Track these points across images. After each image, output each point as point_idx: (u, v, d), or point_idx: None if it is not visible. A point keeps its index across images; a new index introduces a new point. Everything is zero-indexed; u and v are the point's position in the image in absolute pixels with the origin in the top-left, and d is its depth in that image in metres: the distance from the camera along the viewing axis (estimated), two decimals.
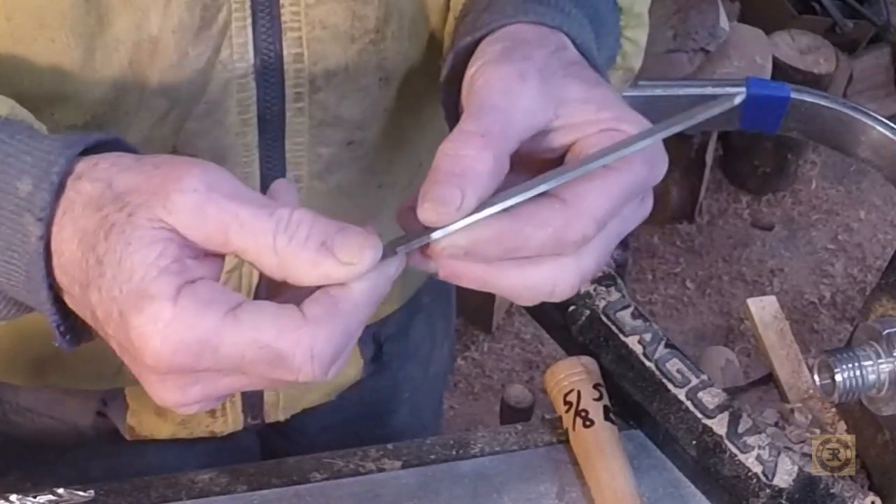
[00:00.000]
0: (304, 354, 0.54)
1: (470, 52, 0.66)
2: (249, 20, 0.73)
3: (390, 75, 0.80)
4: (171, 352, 0.54)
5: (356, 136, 0.82)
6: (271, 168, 0.81)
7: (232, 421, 1.01)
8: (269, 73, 0.76)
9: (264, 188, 0.81)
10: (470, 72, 0.63)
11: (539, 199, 0.58)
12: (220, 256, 0.57)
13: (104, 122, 0.75)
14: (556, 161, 0.62)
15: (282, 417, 1.04)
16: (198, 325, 0.54)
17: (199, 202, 0.55)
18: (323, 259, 0.55)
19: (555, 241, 0.58)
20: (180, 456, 1.02)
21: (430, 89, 0.85)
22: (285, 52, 0.75)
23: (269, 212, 0.55)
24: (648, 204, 0.63)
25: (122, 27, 0.71)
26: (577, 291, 0.93)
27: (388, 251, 0.58)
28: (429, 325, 1.16)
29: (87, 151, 0.60)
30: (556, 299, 0.61)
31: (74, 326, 0.62)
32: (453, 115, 0.70)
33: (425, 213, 0.57)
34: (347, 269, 0.55)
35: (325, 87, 0.78)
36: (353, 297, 0.56)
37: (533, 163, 0.62)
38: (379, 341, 1.07)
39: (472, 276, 0.60)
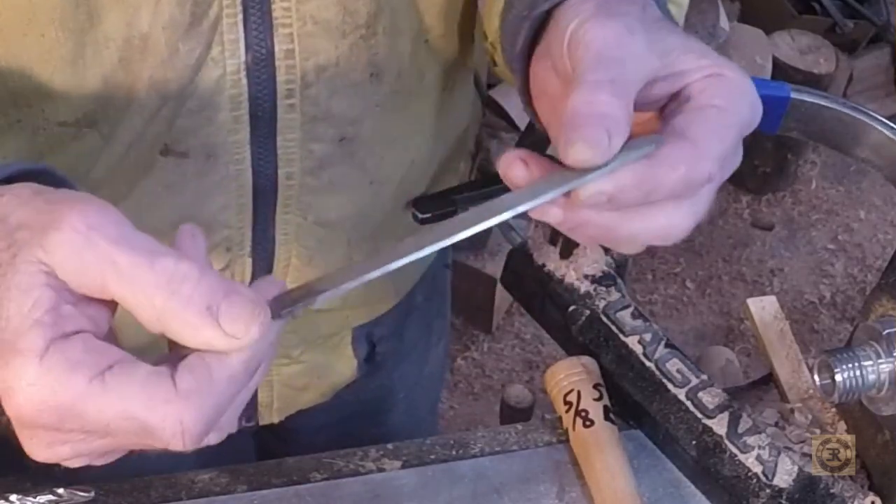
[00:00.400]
0: (173, 428, 0.51)
1: (545, 19, 0.66)
2: (240, 16, 0.73)
3: (381, 71, 0.80)
4: (33, 412, 0.51)
5: (348, 133, 0.82)
6: (263, 165, 0.80)
7: None
8: (261, 69, 0.76)
9: (256, 185, 0.82)
10: (570, 28, 0.63)
11: (669, 140, 0.59)
12: (106, 302, 0.54)
13: (94, 119, 0.75)
14: (658, 110, 0.63)
15: (276, 419, 1.04)
16: (61, 390, 0.51)
17: (78, 244, 0.51)
18: (206, 326, 0.52)
19: (685, 183, 0.59)
20: (175, 459, 1.02)
21: (421, 86, 0.85)
22: (276, 48, 0.75)
23: (151, 262, 0.52)
24: (740, 153, 0.64)
25: (112, 23, 0.71)
26: (578, 291, 0.94)
27: (274, 313, 0.54)
28: (423, 325, 1.16)
29: (11, 180, 0.57)
30: (669, 243, 0.62)
31: None
32: (525, 88, 0.69)
33: (578, 154, 0.56)
34: (230, 342, 0.52)
35: (316, 82, 0.78)
36: (230, 367, 0.53)
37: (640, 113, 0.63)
38: (372, 341, 1.07)
39: (600, 224, 0.60)
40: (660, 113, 0.64)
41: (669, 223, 0.61)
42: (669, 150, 0.59)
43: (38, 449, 0.54)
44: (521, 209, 0.57)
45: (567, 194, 0.58)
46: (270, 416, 1.03)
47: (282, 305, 0.55)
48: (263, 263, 0.86)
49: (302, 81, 0.77)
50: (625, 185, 0.57)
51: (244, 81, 0.76)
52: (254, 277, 0.87)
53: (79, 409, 0.51)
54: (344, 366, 1.05)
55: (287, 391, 1.01)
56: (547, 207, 0.59)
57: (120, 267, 0.51)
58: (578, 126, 0.57)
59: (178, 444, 0.52)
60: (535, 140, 0.83)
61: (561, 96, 0.63)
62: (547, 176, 0.58)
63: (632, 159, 0.57)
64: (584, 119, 0.57)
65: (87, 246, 0.51)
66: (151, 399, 0.51)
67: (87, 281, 0.52)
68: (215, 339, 0.52)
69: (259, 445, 1.14)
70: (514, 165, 0.58)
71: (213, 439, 0.54)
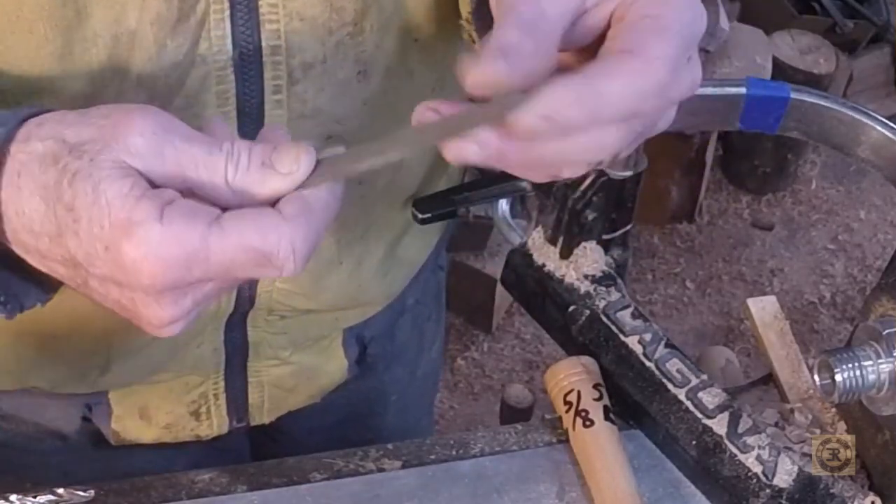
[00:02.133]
0: (286, 251, 0.58)
1: None
2: (227, 12, 0.73)
3: (369, 69, 0.80)
4: (164, 268, 0.56)
5: (335, 130, 0.82)
6: None
7: (217, 424, 1.01)
8: (248, 66, 0.76)
9: None
10: None
11: (605, 54, 0.58)
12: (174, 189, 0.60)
13: None
14: (594, 46, 0.61)
15: (266, 420, 1.04)
16: (187, 238, 0.56)
17: (157, 144, 0.57)
18: (268, 176, 0.59)
19: (635, 94, 0.58)
20: (169, 460, 1.02)
21: (411, 85, 0.85)
22: (263, 45, 0.75)
23: (219, 148, 0.59)
24: (697, 69, 0.63)
25: (99, 19, 0.71)
26: (578, 291, 0.94)
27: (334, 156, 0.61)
28: (415, 327, 1.15)
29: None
30: (603, 165, 0.61)
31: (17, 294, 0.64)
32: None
33: (475, 78, 0.57)
34: (291, 178, 0.59)
35: (303, 79, 0.78)
36: (321, 196, 0.60)
37: (581, 50, 0.62)
38: (364, 343, 1.07)
39: (542, 153, 0.59)
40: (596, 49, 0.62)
41: (622, 140, 0.60)
42: (606, 62, 0.58)
43: (167, 309, 0.59)
44: (425, 142, 0.60)
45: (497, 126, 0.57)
46: (261, 416, 1.03)
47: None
48: None
49: (289, 78, 0.77)
50: (560, 104, 0.56)
51: (231, 77, 0.76)
52: None
53: (204, 253, 0.57)
54: (334, 367, 1.05)
55: (277, 392, 1.01)
56: (464, 144, 0.58)
57: (197, 160, 0.58)
58: (477, 58, 0.57)
59: (290, 266, 0.58)
60: None
61: None
62: (464, 110, 0.59)
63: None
64: (485, 51, 0.57)
65: (165, 144, 0.58)
66: (264, 228, 0.57)
67: (168, 175, 0.58)
68: (278, 181, 0.59)
69: (253, 448, 1.14)
70: (424, 115, 0.61)
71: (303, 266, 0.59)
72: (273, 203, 0.59)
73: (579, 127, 0.57)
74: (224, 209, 0.59)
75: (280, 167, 0.59)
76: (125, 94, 0.74)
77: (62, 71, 0.72)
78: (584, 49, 0.62)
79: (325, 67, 0.78)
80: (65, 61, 0.72)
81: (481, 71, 0.57)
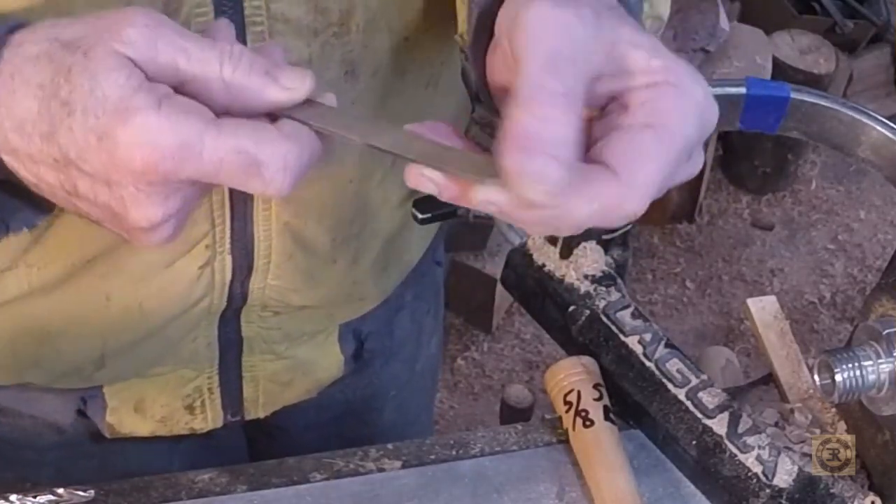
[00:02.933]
0: (277, 165, 0.57)
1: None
2: (212, 14, 0.73)
3: (356, 69, 0.80)
4: (159, 157, 0.56)
5: None
6: None
7: (212, 418, 1.01)
8: None
9: None
10: (514, 9, 0.59)
11: (589, 168, 0.57)
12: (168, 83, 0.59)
13: None
14: (597, 109, 0.61)
15: (262, 414, 1.04)
16: (183, 130, 0.56)
17: (151, 36, 0.57)
18: (268, 85, 0.59)
19: (601, 216, 0.57)
20: (165, 456, 1.02)
21: (402, 83, 0.85)
22: (248, 46, 0.75)
23: (212, 43, 0.58)
24: (698, 161, 0.62)
25: None
26: (578, 291, 0.94)
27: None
28: (413, 323, 1.15)
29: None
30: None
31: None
32: (480, 65, 0.67)
33: (527, 193, 0.55)
34: (290, 93, 0.59)
35: None
36: (312, 134, 0.59)
37: None
38: (360, 338, 1.07)
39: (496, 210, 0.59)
40: (600, 112, 0.61)
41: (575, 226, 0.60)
42: (589, 182, 0.57)
43: (154, 206, 0.58)
44: (408, 155, 0.59)
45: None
46: (256, 410, 1.03)
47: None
48: (244, 261, 0.86)
49: None
50: (525, 218, 0.57)
51: None
52: (235, 275, 0.87)
53: (198, 148, 0.56)
54: (330, 363, 1.05)
55: (272, 387, 1.01)
56: (425, 179, 0.59)
57: (189, 50, 0.58)
58: (527, 150, 0.54)
59: (278, 181, 0.58)
60: None
61: (506, 78, 0.60)
62: (456, 150, 0.59)
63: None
64: (532, 143, 0.54)
65: (158, 36, 0.57)
66: (261, 137, 0.57)
67: (161, 67, 0.57)
68: (278, 93, 0.59)
69: (250, 444, 1.14)
70: (417, 130, 0.61)
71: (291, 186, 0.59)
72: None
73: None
74: (214, 110, 0.58)
75: (283, 80, 0.59)
76: None
77: None
78: None
79: (312, 68, 0.77)
80: None
81: (532, 180, 0.55)
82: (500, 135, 0.55)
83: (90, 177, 0.58)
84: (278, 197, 0.59)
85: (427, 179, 0.59)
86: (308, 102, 0.61)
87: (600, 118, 0.60)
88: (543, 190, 0.55)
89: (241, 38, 0.75)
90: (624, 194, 0.57)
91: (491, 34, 0.64)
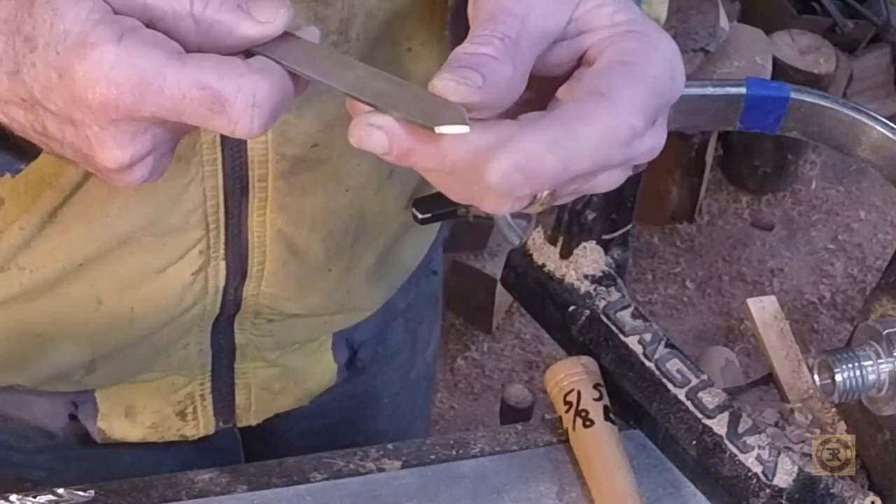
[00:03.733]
0: (245, 101, 0.54)
1: None
2: None
3: None
4: (116, 92, 0.53)
5: (320, 139, 0.81)
6: (234, 168, 0.80)
7: (203, 425, 1.00)
8: None
9: (228, 187, 0.81)
10: None
11: (575, 95, 0.55)
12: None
13: None
14: (563, 78, 0.59)
15: (254, 422, 1.04)
16: (141, 64, 0.53)
17: None
18: (240, 18, 0.56)
19: (607, 140, 0.55)
20: (157, 460, 1.02)
21: None
22: None
23: None
24: (662, 133, 0.60)
25: None
26: (578, 291, 0.94)
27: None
28: (408, 331, 1.15)
29: None
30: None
31: None
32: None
33: (445, 83, 0.54)
34: (264, 27, 0.56)
35: None
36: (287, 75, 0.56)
37: (542, 80, 0.60)
38: (353, 346, 1.07)
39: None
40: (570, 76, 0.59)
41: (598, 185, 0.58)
42: (579, 104, 0.55)
43: (123, 148, 0.56)
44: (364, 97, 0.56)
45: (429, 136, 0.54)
46: (248, 418, 1.03)
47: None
48: (237, 267, 0.86)
49: None
50: (535, 153, 0.53)
51: None
52: (228, 282, 0.86)
53: (158, 82, 0.53)
54: (322, 371, 1.04)
55: (264, 394, 1.01)
56: (371, 130, 0.55)
57: None
58: (453, 66, 0.54)
59: (245, 123, 0.54)
60: None
61: None
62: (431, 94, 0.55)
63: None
64: (461, 62, 0.54)
65: None
66: (226, 71, 0.54)
67: (127, 2, 0.54)
68: (251, 27, 0.56)
69: (246, 452, 1.14)
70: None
71: (265, 126, 0.56)
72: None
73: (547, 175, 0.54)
74: (185, 47, 0.56)
75: (257, 14, 0.56)
76: None
77: None
78: (543, 79, 0.60)
79: None
80: None
81: (452, 80, 0.54)
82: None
83: (56, 116, 0.56)
84: (248, 137, 0.55)
85: (374, 129, 0.55)
86: (286, 37, 0.57)
87: (570, 81, 0.59)
88: (467, 89, 0.54)
89: None
90: (619, 110, 0.55)
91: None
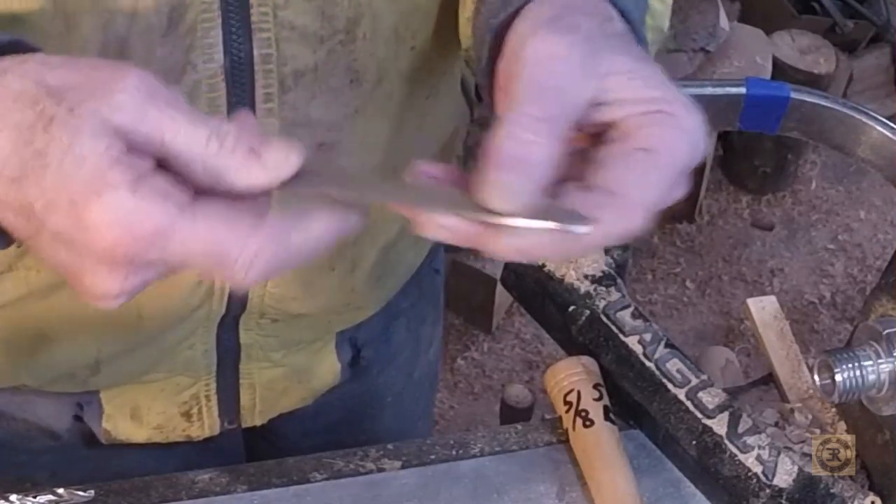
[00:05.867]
0: (245, 259, 0.55)
1: (508, 25, 0.65)
2: (218, 20, 0.73)
3: (361, 76, 0.80)
4: (128, 240, 0.54)
5: (327, 139, 0.81)
6: None
7: (208, 425, 1.00)
8: (239, 74, 0.75)
9: None
10: (517, 33, 0.62)
11: (586, 189, 0.59)
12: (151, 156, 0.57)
13: None
14: (595, 137, 0.62)
15: (258, 422, 1.04)
16: (157, 217, 0.54)
17: (142, 103, 0.55)
18: (251, 164, 0.57)
19: (603, 237, 0.59)
20: (160, 461, 1.02)
21: (403, 93, 0.85)
22: (255, 53, 0.75)
23: (203, 119, 0.56)
24: (682, 186, 0.62)
25: (89, 29, 0.70)
26: (578, 291, 0.94)
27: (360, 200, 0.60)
28: (410, 331, 1.15)
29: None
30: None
31: None
32: (488, 79, 0.68)
33: (491, 200, 0.57)
34: (274, 175, 0.57)
35: (294, 87, 0.77)
36: (312, 231, 0.57)
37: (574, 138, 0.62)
38: (356, 346, 1.07)
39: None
40: (593, 139, 0.62)
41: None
42: (585, 203, 0.58)
43: (114, 282, 0.57)
44: (435, 213, 0.58)
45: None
46: (253, 418, 1.03)
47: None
48: None
49: (280, 86, 0.77)
50: (542, 244, 0.58)
51: (222, 86, 0.75)
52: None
53: (168, 236, 0.55)
54: (326, 370, 1.04)
55: (269, 394, 1.01)
56: (439, 228, 0.59)
57: (179, 126, 0.55)
58: (499, 165, 0.57)
59: (240, 277, 0.56)
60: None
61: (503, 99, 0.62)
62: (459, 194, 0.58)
63: (549, 225, 0.57)
64: (509, 161, 0.57)
65: (149, 105, 0.55)
66: (235, 230, 0.55)
67: (148, 137, 0.55)
68: (260, 174, 0.57)
69: (248, 450, 1.14)
70: (419, 176, 0.60)
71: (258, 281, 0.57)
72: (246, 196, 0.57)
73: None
74: (195, 186, 0.57)
75: (267, 160, 0.57)
76: None
77: None
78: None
79: (317, 76, 0.78)
80: None
81: (499, 184, 0.57)
82: (482, 158, 0.58)
83: (52, 234, 0.56)
84: (236, 288, 0.57)
85: (439, 231, 0.59)
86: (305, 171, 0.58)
87: (600, 143, 0.62)
88: (512, 200, 0.57)
89: (247, 44, 0.74)
90: (621, 214, 0.58)
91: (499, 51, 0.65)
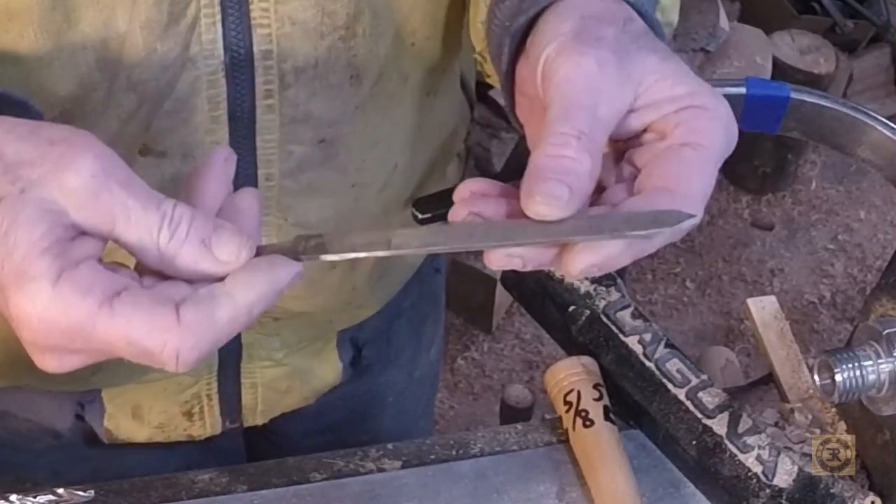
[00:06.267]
0: (169, 355, 0.55)
1: (527, 29, 0.66)
2: (219, 16, 0.73)
3: (361, 73, 0.80)
4: (45, 333, 0.55)
5: (327, 135, 0.81)
6: (242, 166, 0.80)
7: (210, 425, 1.00)
8: (239, 70, 0.75)
9: (235, 185, 0.81)
10: (543, 57, 0.63)
11: (646, 187, 0.60)
12: (101, 238, 0.58)
13: (72, 117, 0.74)
14: (634, 141, 0.64)
15: (260, 421, 1.04)
16: (74, 313, 0.54)
17: (95, 188, 0.55)
18: (202, 257, 0.57)
19: (672, 235, 0.60)
20: (162, 460, 1.02)
21: (404, 89, 0.85)
22: (255, 49, 0.75)
23: (157, 206, 0.56)
24: (714, 178, 0.64)
25: (89, 23, 0.70)
26: (578, 291, 0.94)
27: (290, 253, 0.59)
28: (411, 330, 1.15)
29: None
30: None
31: None
32: (511, 96, 0.70)
33: (537, 207, 0.58)
34: (224, 267, 0.57)
35: (294, 83, 0.77)
36: (234, 305, 0.56)
37: (613, 146, 0.64)
38: (358, 345, 1.07)
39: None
40: (631, 142, 0.64)
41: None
42: (651, 204, 0.59)
43: (50, 364, 0.58)
44: (507, 245, 0.59)
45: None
46: (255, 418, 1.03)
47: (295, 253, 0.60)
48: None
49: (281, 82, 0.77)
50: (612, 254, 0.59)
51: (222, 82, 0.76)
52: None
53: (88, 332, 0.55)
54: (328, 370, 1.04)
55: (270, 393, 1.01)
56: (512, 259, 0.59)
57: (130, 210, 0.56)
58: (542, 178, 0.58)
59: (171, 367, 0.56)
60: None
61: (536, 106, 0.64)
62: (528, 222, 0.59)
63: (626, 233, 0.58)
64: (549, 173, 0.58)
65: (103, 190, 0.55)
66: (154, 326, 0.55)
67: (98, 222, 0.56)
68: (212, 266, 0.57)
69: (249, 450, 1.14)
70: (467, 217, 0.60)
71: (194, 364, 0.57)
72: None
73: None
74: (147, 268, 0.57)
75: (219, 253, 0.57)
76: (115, 97, 0.74)
77: (50, 75, 0.72)
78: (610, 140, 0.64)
79: (317, 72, 0.78)
80: (53, 66, 0.71)
81: (544, 204, 0.58)
82: (524, 178, 0.59)
83: None
84: (174, 372, 0.57)
85: (510, 258, 0.59)
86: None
87: (640, 147, 0.63)
88: (557, 206, 0.58)
89: (247, 40, 0.74)
90: (685, 207, 0.60)
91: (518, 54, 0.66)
